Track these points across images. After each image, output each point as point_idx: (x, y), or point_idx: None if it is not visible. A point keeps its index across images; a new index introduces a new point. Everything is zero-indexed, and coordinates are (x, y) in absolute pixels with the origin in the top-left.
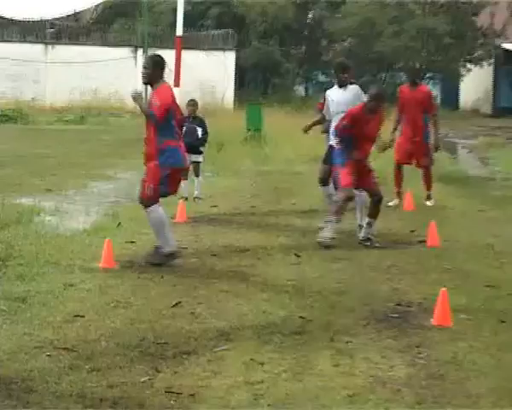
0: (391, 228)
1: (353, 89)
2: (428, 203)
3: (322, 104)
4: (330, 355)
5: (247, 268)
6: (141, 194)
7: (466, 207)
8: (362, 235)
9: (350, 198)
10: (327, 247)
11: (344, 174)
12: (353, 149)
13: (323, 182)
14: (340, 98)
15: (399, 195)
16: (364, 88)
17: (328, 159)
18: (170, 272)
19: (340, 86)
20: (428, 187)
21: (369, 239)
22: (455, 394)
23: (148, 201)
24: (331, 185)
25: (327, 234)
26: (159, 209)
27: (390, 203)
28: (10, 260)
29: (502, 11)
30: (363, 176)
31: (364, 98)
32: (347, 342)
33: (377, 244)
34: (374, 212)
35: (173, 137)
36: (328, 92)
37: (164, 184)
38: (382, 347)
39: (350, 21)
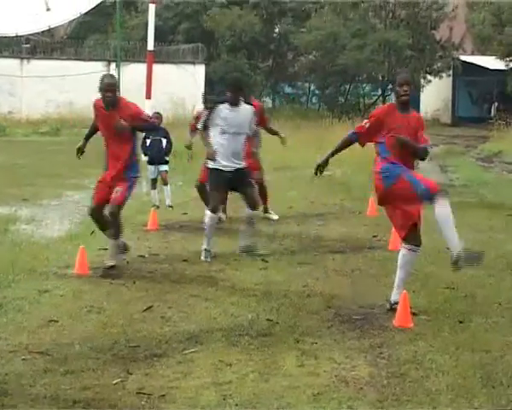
0: (354, 233)
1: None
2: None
3: (195, 125)
4: (296, 356)
5: (216, 273)
6: (117, 201)
7: (426, 213)
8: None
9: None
10: None
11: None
12: None
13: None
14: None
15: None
16: (328, 99)
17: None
18: (142, 277)
19: (232, 104)
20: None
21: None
22: (415, 391)
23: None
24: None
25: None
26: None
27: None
28: None
29: (459, 25)
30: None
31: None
32: (312, 344)
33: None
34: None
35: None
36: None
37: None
38: (346, 347)
39: (315, 35)
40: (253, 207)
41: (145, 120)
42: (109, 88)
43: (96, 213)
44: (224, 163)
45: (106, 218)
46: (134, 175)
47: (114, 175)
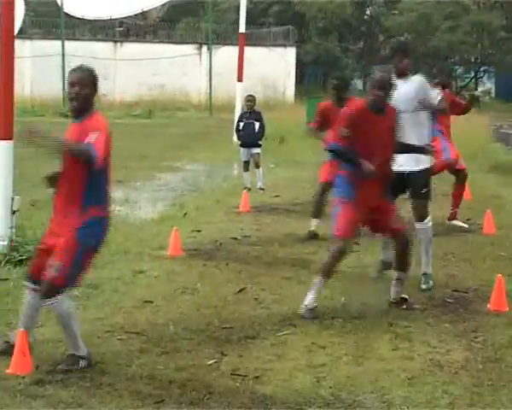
0: (448, 216)
1: (416, 80)
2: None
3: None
4: (389, 339)
5: (309, 255)
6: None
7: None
8: (393, 296)
9: (344, 253)
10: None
11: (344, 218)
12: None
13: None
14: (400, 93)
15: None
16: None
17: None
18: (234, 259)
19: (399, 76)
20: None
21: (404, 300)
22: (511, 377)
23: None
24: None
25: (308, 302)
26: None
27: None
28: None
29: None
30: (379, 213)
31: (431, 93)
32: (406, 327)
33: (416, 306)
34: (402, 262)
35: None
36: None
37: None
38: (440, 331)
39: (406, 17)
40: None
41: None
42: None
43: None
44: None
45: None
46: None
47: None
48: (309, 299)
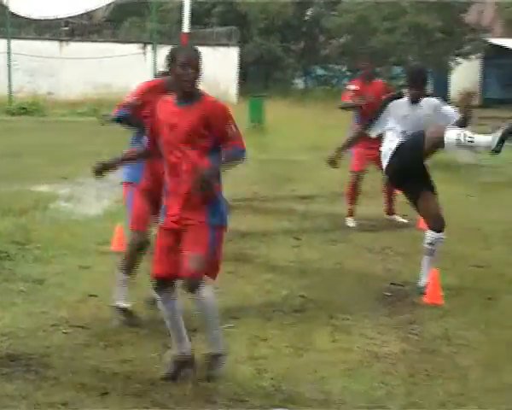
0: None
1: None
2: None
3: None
4: (329, 332)
5: (251, 250)
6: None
7: (456, 193)
8: None
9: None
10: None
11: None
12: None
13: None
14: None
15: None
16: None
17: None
18: None
19: (413, 102)
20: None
21: None
22: (446, 367)
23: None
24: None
25: (119, 302)
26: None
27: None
28: (28, 244)
29: (489, 8)
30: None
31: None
32: (345, 320)
33: None
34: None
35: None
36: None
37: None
38: (378, 323)
39: (346, 18)
40: None
41: None
42: None
43: None
44: None
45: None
46: None
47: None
48: (119, 298)
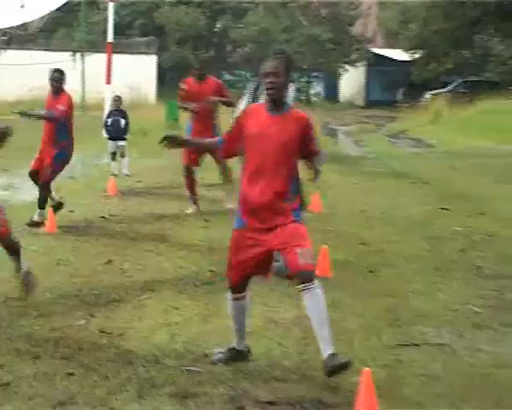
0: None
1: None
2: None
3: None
4: None
5: (167, 231)
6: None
7: (343, 181)
8: None
9: None
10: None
11: None
12: None
13: None
14: None
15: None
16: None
17: None
18: (103, 235)
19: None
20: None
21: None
22: (334, 330)
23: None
24: None
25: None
26: None
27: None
28: None
29: (372, 22)
30: None
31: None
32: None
33: None
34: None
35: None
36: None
37: None
38: (279, 293)
39: (250, 31)
40: None
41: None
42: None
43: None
44: None
45: None
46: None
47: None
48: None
